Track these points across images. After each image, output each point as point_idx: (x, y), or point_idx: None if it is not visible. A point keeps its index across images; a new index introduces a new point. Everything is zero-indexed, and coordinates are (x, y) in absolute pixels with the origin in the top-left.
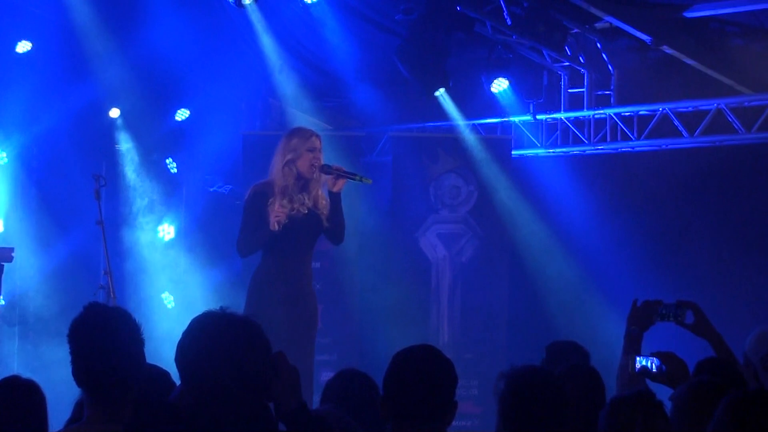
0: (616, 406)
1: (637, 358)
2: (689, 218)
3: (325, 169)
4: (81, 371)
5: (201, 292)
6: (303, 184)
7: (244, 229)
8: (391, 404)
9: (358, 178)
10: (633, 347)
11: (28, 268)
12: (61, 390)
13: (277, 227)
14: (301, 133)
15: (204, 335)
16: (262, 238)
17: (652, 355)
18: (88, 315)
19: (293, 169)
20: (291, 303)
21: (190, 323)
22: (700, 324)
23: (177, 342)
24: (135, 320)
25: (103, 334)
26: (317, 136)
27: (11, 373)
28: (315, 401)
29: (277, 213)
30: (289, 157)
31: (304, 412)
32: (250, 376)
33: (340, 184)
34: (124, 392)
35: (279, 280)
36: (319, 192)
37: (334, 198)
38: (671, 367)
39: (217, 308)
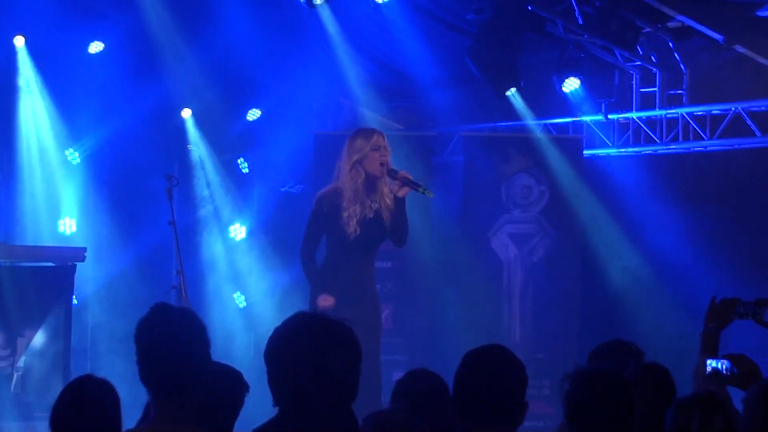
0: (677, 407)
1: (708, 361)
2: (763, 218)
3: (392, 174)
4: (146, 372)
5: (272, 292)
6: (371, 184)
7: (308, 239)
8: (461, 404)
9: (421, 189)
10: (710, 345)
11: (100, 268)
12: (135, 389)
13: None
14: (364, 133)
15: (296, 335)
16: (320, 279)
17: (723, 357)
18: (153, 315)
19: (361, 171)
20: (357, 303)
21: (284, 322)
22: None
23: (267, 340)
24: (201, 321)
25: (168, 334)
26: (380, 133)
27: (84, 372)
28: (385, 401)
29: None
30: (355, 158)
31: None
32: (338, 379)
33: (405, 191)
34: (190, 393)
35: (345, 281)
36: (385, 190)
37: (399, 203)
38: (743, 369)
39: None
